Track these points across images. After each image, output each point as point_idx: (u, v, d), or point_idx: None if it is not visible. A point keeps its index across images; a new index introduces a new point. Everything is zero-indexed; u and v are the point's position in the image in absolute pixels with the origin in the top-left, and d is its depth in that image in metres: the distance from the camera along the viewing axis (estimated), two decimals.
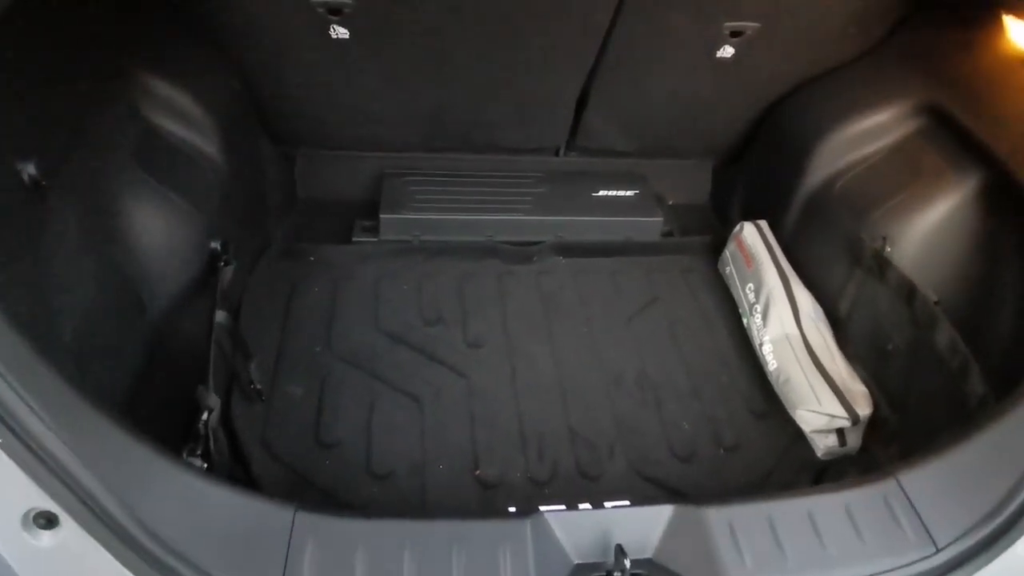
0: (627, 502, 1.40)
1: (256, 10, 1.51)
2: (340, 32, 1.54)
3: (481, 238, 1.96)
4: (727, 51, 1.70)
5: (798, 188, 1.82)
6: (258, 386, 1.45)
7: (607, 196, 2.07)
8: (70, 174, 1.10)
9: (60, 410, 0.79)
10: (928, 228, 1.51)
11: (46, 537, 0.80)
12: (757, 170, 2.05)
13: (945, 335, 1.36)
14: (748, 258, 1.80)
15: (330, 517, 0.89)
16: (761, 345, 1.66)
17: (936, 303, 1.40)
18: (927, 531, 0.96)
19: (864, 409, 1.48)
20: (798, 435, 1.55)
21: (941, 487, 1.00)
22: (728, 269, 1.89)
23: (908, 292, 1.46)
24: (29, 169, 0.99)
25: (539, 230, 1.99)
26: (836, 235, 1.69)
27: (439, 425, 1.51)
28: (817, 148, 1.78)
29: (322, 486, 1.37)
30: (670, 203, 2.23)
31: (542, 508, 1.35)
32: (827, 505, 0.99)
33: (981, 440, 1.04)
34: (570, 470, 1.47)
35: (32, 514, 0.79)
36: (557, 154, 2.15)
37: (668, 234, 2.09)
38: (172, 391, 1.18)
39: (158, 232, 1.29)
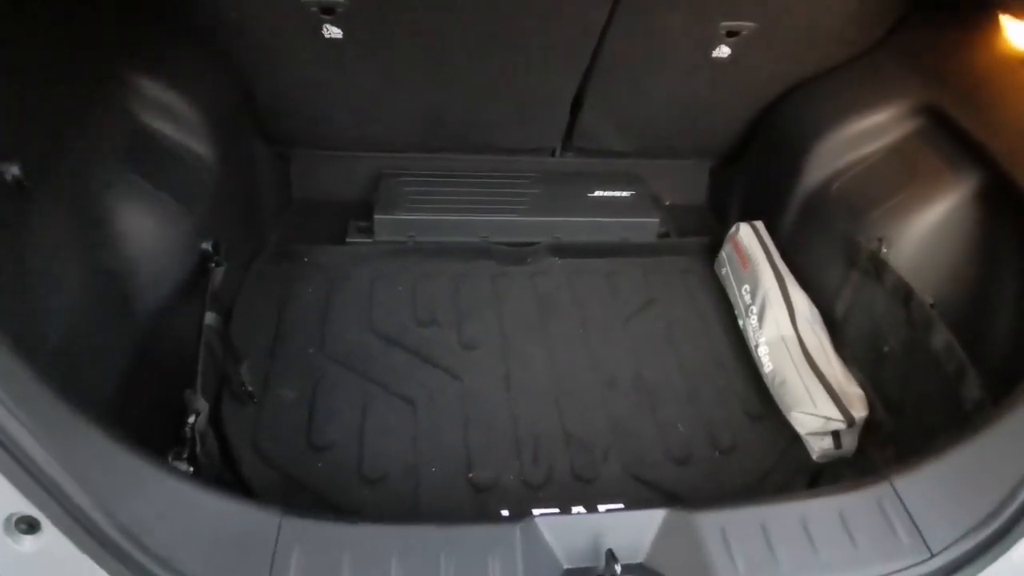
0: (621, 505, 1.41)
1: (248, 10, 1.50)
2: (333, 32, 1.53)
3: (476, 239, 1.95)
4: (723, 51, 1.69)
5: (795, 189, 1.81)
6: (249, 388, 1.44)
7: (603, 197, 2.06)
8: (56, 175, 1.09)
9: (42, 414, 0.78)
10: (925, 230, 1.50)
11: (28, 542, 0.79)
12: (754, 170, 2.04)
13: (941, 338, 1.34)
14: (744, 259, 1.79)
15: (317, 522, 0.88)
16: (757, 347, 1.65)
17: (932, 305, 1.39)
18: (921, 536, 0.95)
19: (860, 411, 1.47)
20: (794, 437, 1.54)
21: (936, 491, 0.99)
22: (724, 270, 1.88)
23: (904, 294, 1.45)
24: (12, 170, 0.98)
25: (535, 231, 1.98)
26: (833, 236, 1.68)
27: (433, 427, 1.50)
28: (814, 149, 1.77)
29: (314, 489, 1.36)
30: (667, 204, 2.22)
31: (535, 511, 1.35)
32: (820, 510, 0.98)
33: (976, 444, 1.03)
34: (565, 473, 1.46)
35: (14, 519, 0.78)
36: (553, 154, 2.14)
37: (665, 235, 2.08)
38: (161, 394, 1.17)
39: (148, 233, 1.28)
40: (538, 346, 1.71)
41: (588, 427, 1.54)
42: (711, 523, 0.96)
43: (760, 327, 1.65)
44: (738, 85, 1.87)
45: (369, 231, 1.92)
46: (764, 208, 1.91)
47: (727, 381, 1.67)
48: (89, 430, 0.81)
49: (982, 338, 1.32)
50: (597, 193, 2.06)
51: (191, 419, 1.06)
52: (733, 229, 1.88)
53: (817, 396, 1.48)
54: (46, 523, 0.78)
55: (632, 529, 0.96)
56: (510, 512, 1.36)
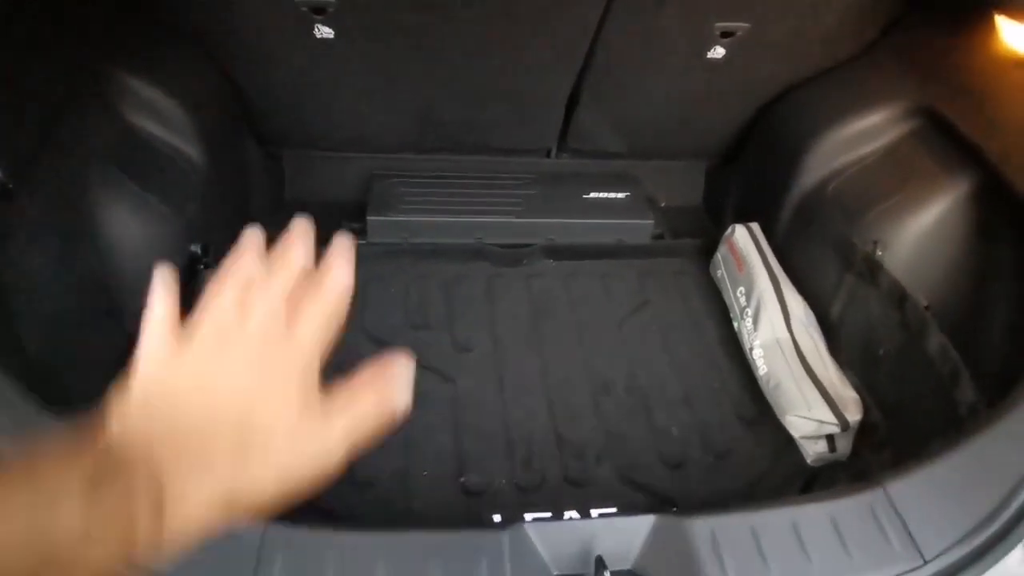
0: (613, 510, 1.40)
1: (238, 10, 1.49)
2: (325, 32, 1.52)
3: (470, 240, 1.94)
4: (718, 52, 1.68)
5: (790, 190, 1.80)
6: None
7: (598, 198, 2.05)
8: (40, 176, 1.08)
9: (19, 423, 0.76)
10: (920, 232, 1.49)
11: None
12: (750, 171, 2.03)
13: (935, 341, 1.34)
14: (739, 261, 1.78)
15: (302, 530, 0.86)
16: (751, 350, 1.64)
17: (927, 308, 1.38)
18: (914, 542, 0.94)
19: (854, 415, 1.46)
20: (788, 441, 1.53)
21: (929, 497, 0.98)
22: (719, 272, 1.87)
23: (899, 297, 1.44)
24: None
25: (529, 232, 1.97)
26: (828, 238, 1.67)
27: (424, 431, 1.49)
28: (810, 150, 1.76)
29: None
30: (662, 205, 2.21)
31: (527, 516, 1.34)
32: (812, 515, 0.97)
33: (971, 449, 1.02)
34: (557, 477, 1.45)
35: None
36: (548, 155, 2.13)
37: (659, 236, 2.07)
38: None
39: (135, 235, 1.27)
40: (532, 349, 1.70)
41: (581, 430, 1.53)
42: (702, 529, 0.95)
43: (755, 330, 1.64)
44: (733, 86, 1.86)
45: (362, 232, 1.91)
46: (759, 209, 1.90)
47: (721, 384, 1.66)
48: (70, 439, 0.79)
49: (977, 341, 1.31)
50: (592, 195, 2.05)
51: None
52: (728, 231, 1.87)
53: (812, 399, 1.47)
54: None
55: (622, 535, 0.95)
56: (502, 517, 1.35)
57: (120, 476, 0.45)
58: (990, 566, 0.91)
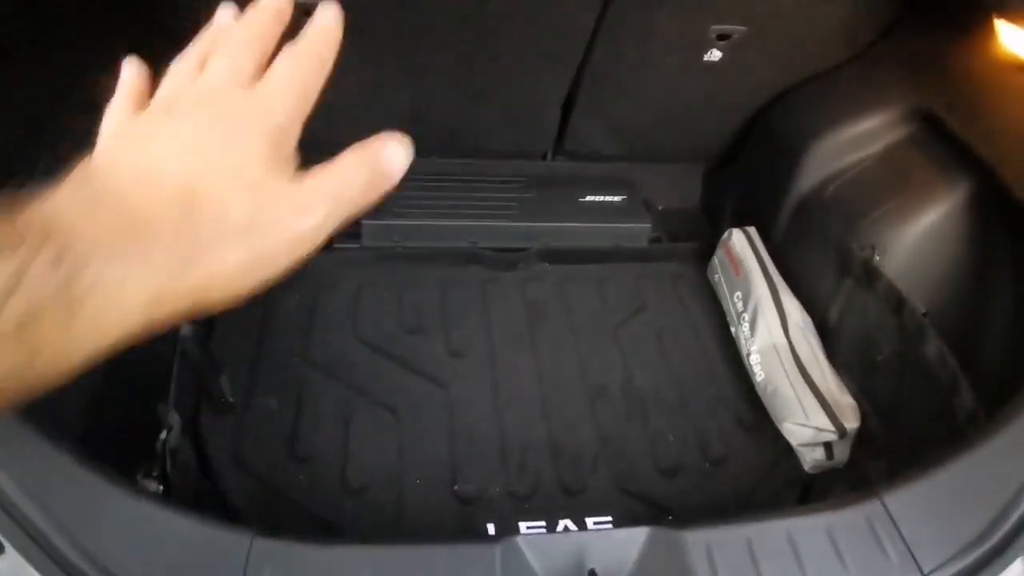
0: (609, 518, 1.39)
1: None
2: None
3: (465, 244, 1.92)
4: (714, 54, 1.66)
5: (788, 194, 1.78)
6: (229, 399, 1.41)
7: (594, 201, 2.03)
8: (29, 181, 1.06)
9: (1, 433, 0.75)
10: (918, 237, 1.48)
11: None
12: (747, 174, 2.02)
13: (934, 347, 1.32)
14: (736, 266, 1.77)
15: (289, 544, 0.85)
16: (749, 355, 1.63)
17: (925, 314, 1.36)
18: (912, 555, 0.93)
19: (852, 422, 1.44)
20: (786, 448, 1.51)
21: (928, 508, 0.97)
22: (717, 276, 1.86)
23: (897, 302, 1.43)
24: None
25: (524, 236, 1.95)
26: (826, 243, 1.65)
27: (417, 438, 1.47)
28: (807, 153, 1.74)
29: (295, 501, 1.34)
30: (659, 208, 2.20)
31: (521, 525, 1.33)
32: (809, 527, 0.96)
33: (970, 460, 1.00)
34: (552, 485, 1.43)
35: None
36: (544, 158, 2.11)
37: (656, 240, 2.06)
38: (135, 409, 1.14)
39: None
40: (527, 354, 1.69)
41: (576, 437, 1.52)
42: (697, 541, 0.93)
43: (752, 335, 1.63)
44: (730, 89, 1.84)
45: (356, 236, 1.89)
46: (757, 213, 1.88)
47: (718, 390, 1.65)
48: (49, 450, 0.78)
49: (975, 348, 1.30)
50: (588, 198, 2.04)
51: (162, 435, 1.03)
52: (726, 235, 1.85)
53: (809, 406, 1.46)
54: (8, 547, 0.75)
55: (616, 547, 0.94)
56: (495, 525, 1.34)
57: (22, 248, 0.36)
58: None
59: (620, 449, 1.51)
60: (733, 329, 1.73)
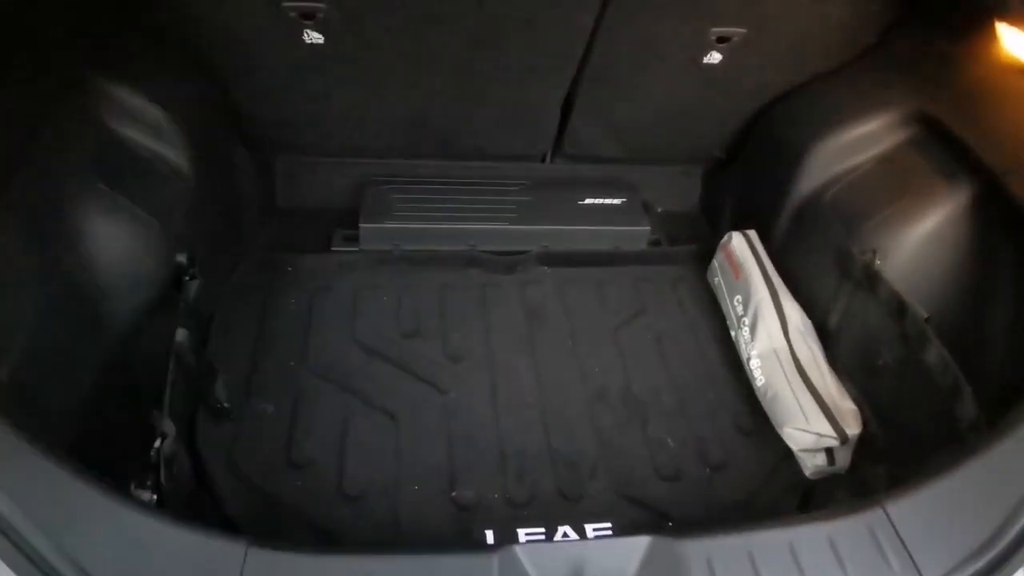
0: (608, 524, 1.37)
1: (225, 15, 1.46)
2: (314, 37, 1.49)
3: (464, 247, 1.91)
4: (714, 57, 1.65)
5: (788, 197, 1.77)
6: (225, 405, 1.40)
7: (594, 204, 2.02)
8: (19, 186, 1.05)
9: None
10: (919, 241, 1.47)
11: None
12: (747, 177, 2.01)
13: (935, 353, 1.31)
14: (736, 269, 1.76)
15: (284, 553, 0.84)
16: (749, 360, 1.61)
17: (926, 320, 1.35)
18: (914, 565, 0.91)
19: (853, 428, 1.43)
20: (786, 453, 1.50)
21: (930, 517, 0.96)
22: (716, 280, 1.85)
23: (898, 307, 1.42)
24: None
25: (524, 239, 1.95)
26: (826, 246, 1.64)
27: (415, 443, 1.46)
28: (807, 156, 1.73)
29: (292, 508, 1.32)
30: (659, 210, 2.19)
31: (520, 532, 1.31)
32: (810, 536, 0.95)
33: (973, 467, 0.99)
34: (550, 491, 1.42)
35: None
36: (543, 161, 2.10)
37: (656, 243, 2.05)
38: (130, 416, 1.13)
39: (118, 246, 1.24)
40: (525, 358, 1.67)
41: (575, 443, 1.51)
42: (697, 551, 0.92)
43: (752, 339, 1.62)
44: (730, 91, 1.84)
45: (355, 240, 1.88)
46: (757, 216, 1.87)
47: (718, 395, 1.64)
48: (42, 460, 0.77)
49: (977, 354, 1.29)
50: (587, 200, 2.03)
51: (156, 443, 1.02)
52: (725, 238, 1.84)
53: (810, 412, 1.45)
54: None
55: (615, 557, 0.92)
56: (494, 533, 1.33)
57: None
58: None
59: (619, 454, 1.50)
60: (733, 333, 1.72)
